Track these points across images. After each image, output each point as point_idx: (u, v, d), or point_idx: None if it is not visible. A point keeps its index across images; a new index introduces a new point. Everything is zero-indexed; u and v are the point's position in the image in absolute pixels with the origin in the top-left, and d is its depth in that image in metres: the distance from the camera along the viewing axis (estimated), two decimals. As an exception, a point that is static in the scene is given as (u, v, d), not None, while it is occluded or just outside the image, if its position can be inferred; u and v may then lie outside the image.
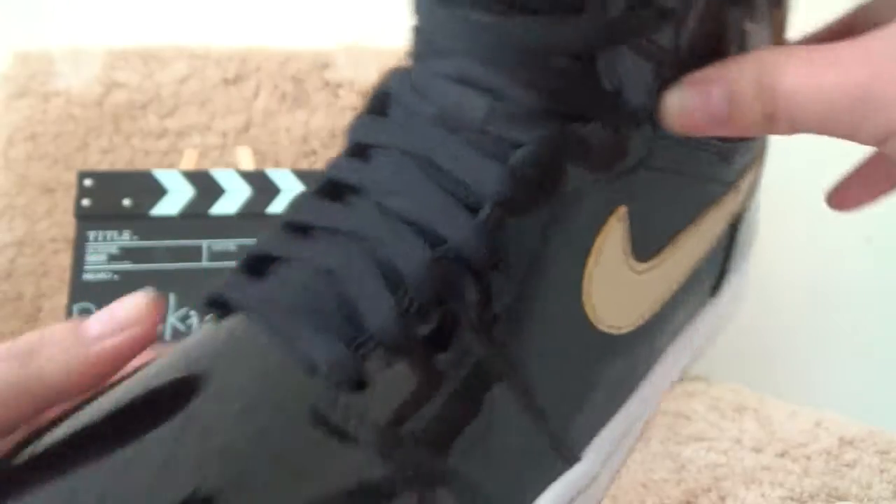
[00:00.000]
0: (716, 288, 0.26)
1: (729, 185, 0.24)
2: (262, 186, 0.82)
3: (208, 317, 0.22)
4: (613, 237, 0.20)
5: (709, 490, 0.54)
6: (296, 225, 0.21)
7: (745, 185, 0.25)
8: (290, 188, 0.83)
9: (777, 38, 0.24)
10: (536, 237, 0.19)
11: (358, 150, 0.22)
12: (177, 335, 0.76)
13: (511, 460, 0.20)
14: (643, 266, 0.22)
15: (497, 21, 0.19)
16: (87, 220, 0.78)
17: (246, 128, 0.97)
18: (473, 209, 0.19)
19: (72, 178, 0.82)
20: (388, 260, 0.19)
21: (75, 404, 0.19)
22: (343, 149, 0.22)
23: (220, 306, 0.21)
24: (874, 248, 0.88)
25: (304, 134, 0.96)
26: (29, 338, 0.17)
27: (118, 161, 0.94)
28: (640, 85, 0.19)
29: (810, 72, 0.18)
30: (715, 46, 0.20)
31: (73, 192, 0.79)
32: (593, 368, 0.21)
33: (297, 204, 0.22)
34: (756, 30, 0.22)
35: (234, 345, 0.19)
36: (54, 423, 0.18)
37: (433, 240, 0.19)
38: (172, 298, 0.76)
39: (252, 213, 0.80)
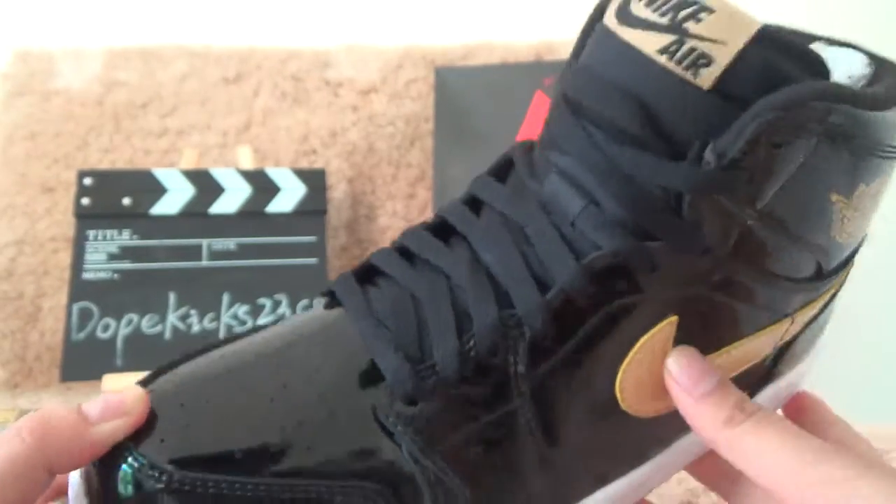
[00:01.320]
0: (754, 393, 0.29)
1: (784, 316, 0.26)
2: (262, 185, 0.81)
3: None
4: (659, 339, 0.23)
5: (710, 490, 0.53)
6: (405, 250, 0.25)
7: (803, 316, 0.27)
8: (289, 187, 0.82)
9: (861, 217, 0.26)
10: (592, 325, 0.22)
11: (472, 203, 0.25)
12: (177, 334, 0.76)
13: (519, 498, 0.23)
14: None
15: (612, 145, 0.22)
16: (87, 219, 0.78)
17: (246, 127, 0.97)
18: (545, 286, 0.22)
19: (72, 177, 0.82)
20: (465, 306, 0.22)
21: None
22: (462, 196, 0.26)
23: (332, 296, 0.25)
24: (875, 247, 0.88)
25: (304, 133, 0.96)
26: (39, 418, 0.19)
27: (118, 160, 0.94)
28: (722, 229, 0.22)
29: (785, 427, 0.21)
30: (795, 212, 0.23)
31: (73, 191, 0.79)
32: (611, 439, 0.24)
33: (411, 232, 0.25)
34: (843, 204, 0.24)
35: (335, 335, 0.23)
36: (193, 354, 0.24)
37: (507, 302, 0.22)
38: (172, 297, 0.76)
39: (252, 212, 0.80)
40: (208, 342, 0.24)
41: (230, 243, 0.79)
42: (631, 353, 0.23)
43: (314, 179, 0.83)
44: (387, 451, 0.21)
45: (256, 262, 0.78)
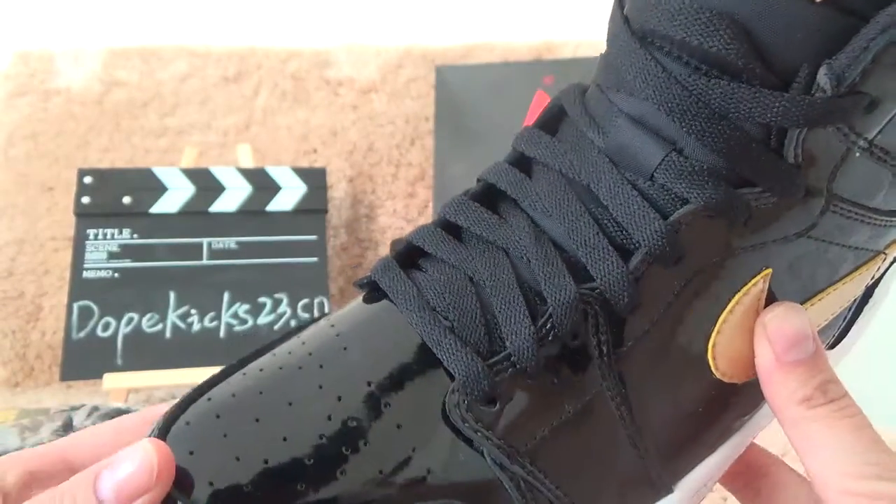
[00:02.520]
0: (836, 343, 0.26)
1: (877, 253, 0.23)
2: (263, 184, 0.81)
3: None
4: (753, 294, 0.21)
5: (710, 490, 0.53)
6: (449, 225, 0.22)
7: (893, 251, 0.24)
8: (290, 185, 0.82)
9: None
10: (679, 288, 0.20)
11: (521, 161, 0.22)
12: (177, 332, 0.76)
13: (612, 487, 0.21)
14: None
15: (697, 79, 0.19)
16: (88, 217, 0.78)
17: (246, 126, 0.97)
18: (624, 252, 0.19)
19: (72, 176, 0.82)
20: (534, 283, 0.20)
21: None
22: (507, 156, 0.22)
23: (372, 287, 0.22)
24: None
25: (305, 132, 0.96)
26: (53, 498, 0.17)
27: (118, 159, 0.94)
28: (825, 165, 0.20)
29: (861, 423, 0.20)
30: None
31: (74, 190, 0.79)
32: (706, 415, 0.22)
33: (454, 204, 0.22)
34: None
35: (386, 333, 0.20)
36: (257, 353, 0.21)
37: (581, 274, 0.19)
38: (173, 296, 0.76)
39: (252, 211, 0.80)
40: (240, 358, 0.21)
41: (230, 242, 0.79)
42: (724, 314, 0.20)
43: (314, 178, 0.83)
44: (467, 461, 0.19)
45: (257, 260, 0.78)
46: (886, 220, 0.22)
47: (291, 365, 0.20)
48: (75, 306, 0.75)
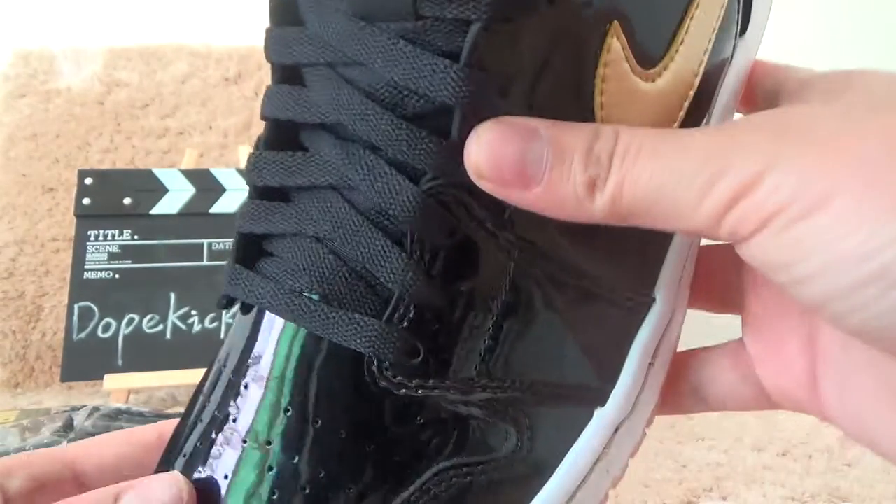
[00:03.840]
0: (744, 24, 0.23)
1: None
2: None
3: (230, 313, 0.20)
4: (614, 61, 0.17)
5: (710, 489, 0.53)
6: (269, 190, 0.18)
7: None
8: (290, 187, 0.82)
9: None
10: (529, 104, 0.16)
11: (287, 72, 0.18)
12: (177, 333, 0.76)
13: (587, 341, 0.19)
14: (655, 70, 0.19)
15: None
16: (88, 218, 0.78)
17: (247, 126, 0.97)
18: (439, 114, 0.16)
19: (72, 177, 0.82)
20: (379, 207, 0.16)
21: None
22: (273, 77, 0.18)
23: (231, 301, 0.19)
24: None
25: (305, 133, 0.96)
26: None
27: (119, 160, 0.94)
28: None
29: (658, 141, 0.15)
30: None
31: (74, 190, 0.79)
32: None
33: (258, 164, 0.18)
34: None
35: (270, 345, 0.18)
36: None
37: (410, 172, 0.16)
38: (173, 297, 0.76)
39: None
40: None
41: (231, 243, 0.79)
42: (597, 96, 0.17)
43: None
44: (428, 427, 0.17)
45: (257, 261, 0.79)
46: None
47: (205, 435, 0.18)
48: (76, 307, 0.75)
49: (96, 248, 0.77)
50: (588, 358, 0.19)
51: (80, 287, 0.75)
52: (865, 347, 0.16)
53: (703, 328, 0.26)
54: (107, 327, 0.74)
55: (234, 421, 0.17)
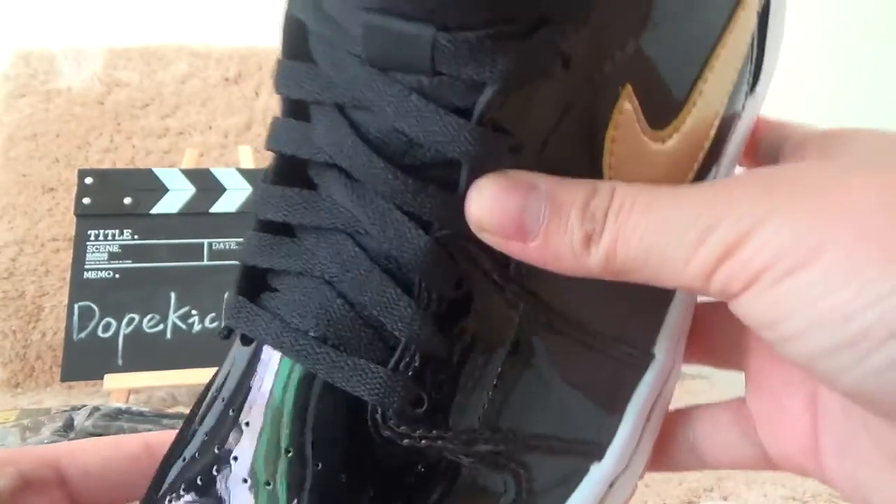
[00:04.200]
0: (754, 82, 0.23)
1: (736, 3, 0.20)
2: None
3: (233, 340, 0.20)
4: (625, 123, 0.17)
5: (711, 489, 0.53)
6: (274, 225, 0.18)
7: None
8: (291, 187, 0.83)
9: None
10: (539, 167, 0.17)
11: (296, 108, 0.18)
12: (178, 333, 0.76)
13: (588, 395, 0.19)
14: (667, 131, 0.19)
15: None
16: (88, 218, 0.78)
17: (247, 126, 0.97)
18: (447, 166, 0.16)
19: (73, 176, 0.82)
20: (388, 253, 0.17)
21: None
22: (281, 109, 0.19)
23: (233, 333, 0.19)
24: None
25: (306, 133, 0.96)
26: None
27: (119, 160, 0.94)
28: None
29: (652, 197, 0.15)
30: None
31: (74, 190, 0.79)
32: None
33: (265, 199, 0.18)
34: None
35: (271, 380, 0.17)
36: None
37: (421, 223, 0.16)
38: (173, 297, 0.76)
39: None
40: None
41: (231, 243, 0.79)
42: (605, 158, 0.17)
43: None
44: (432, 477, 0.17)
45: (257, 261, 0.79)
46: None
47: (204, 470, 0.17)
48: (76, 307, 0.75)
49: (96, 248, 0.77)
50: (588, 413, 0.19)
51: (80, 287, 0.75)
52: (867, 418, 0.16)
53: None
54: (107, 327, 0.74)
55: (235, 459, 0.17)
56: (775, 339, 0.14)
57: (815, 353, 0.14)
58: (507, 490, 0.18)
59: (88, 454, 0.20)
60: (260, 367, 0.18)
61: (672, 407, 0.22)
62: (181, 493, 0.17)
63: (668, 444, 0.21)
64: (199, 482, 0.17)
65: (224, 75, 0.99)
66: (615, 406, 0.20)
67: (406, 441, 0.16)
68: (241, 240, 0.79)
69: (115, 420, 0.55)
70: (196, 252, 0.78)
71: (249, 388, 0.18)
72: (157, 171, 0.80)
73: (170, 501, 0.17)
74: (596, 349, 0.19)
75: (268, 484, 0.16)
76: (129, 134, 0.95)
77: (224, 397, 0.18)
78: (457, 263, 0.17)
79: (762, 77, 0.24)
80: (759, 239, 0.14)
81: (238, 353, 0.19)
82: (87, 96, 0.95)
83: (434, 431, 0.16)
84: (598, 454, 0.19)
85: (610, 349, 0.19)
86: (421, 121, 0.15)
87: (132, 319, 0.75)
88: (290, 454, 0.17)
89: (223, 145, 0.96)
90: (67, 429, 0.54)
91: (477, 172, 0.16)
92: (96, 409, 0.66)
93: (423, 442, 0.16)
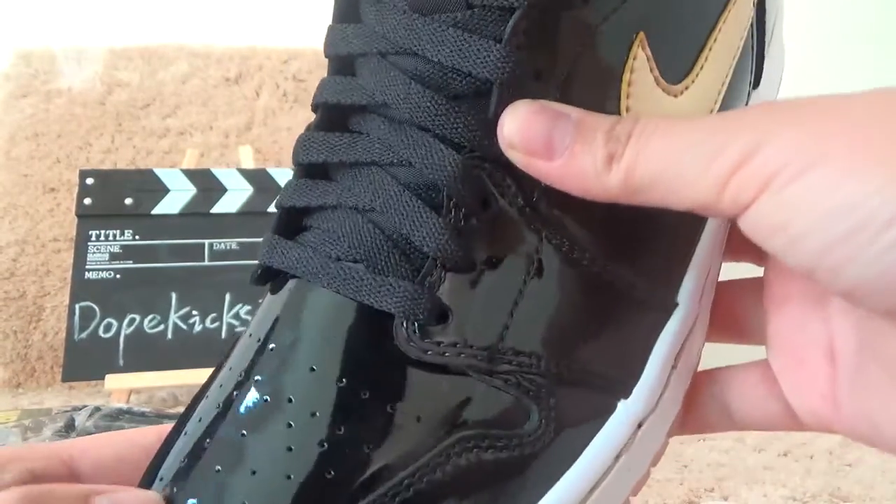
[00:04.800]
0: (757, 77, 0.24)
1: None
2: (264, 185, 0.82)
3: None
4: (639, 70, 0.19)
5: (711, 489, 0.53)
6: (314, 167, 0.19)
7: None
8: (291, 187, 0.83)
9: None
10: (558, 97, 0.18)
11: (342, 63, 0.20)
12: (178, 333, 0.76)
13: (610, 330, 0.19)
14: (679, 86, 0.20)
15: None
16: (89, 218, 0.78)
17: (248, 127, 0.97)
18: (479, 95, 0.17)
19: (74, 177, 0.82)
20: (422, 176, 0.18)
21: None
22: (329, 67, 0.20)
23: (266, 276, 0.20)
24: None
25: (306, 133, 0.96)
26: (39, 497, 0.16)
27: (120, 160, 0.94)
28: None
29: (671, 123, 0.17)
30: None
31: (75, 191, 0.79)
32: (656, 217, 0.19)
33: (307, 143, 0.19)
34: None
35: (300, 312, 0.18)
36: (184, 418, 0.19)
37: (453, 145, 0.17)
38: (174, 297, 0.76)
39: (254, 212, 0.80)
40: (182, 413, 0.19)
41: (232, 243, 0.79)
42: (622, 102, 0.19)
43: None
44: (452, 392, 0.17)
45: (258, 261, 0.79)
46: None
47: (225, 397, 0.18)
48: (77, 307, 0.75)
49: (97, 248, 0.77)
50: (610, 348, 0.19)
51: (81, 287, 0.75)
52: (875, 340, 0.17)
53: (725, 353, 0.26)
54: (108, 327, 0.75)
55: (258, 381, 0.17)
56: (784, 244, 0.15)
57: (822, 248, 0.15)
58: (531, 416, 0.18)
59: (101, 448, 0.20)
60: (289, 299, 0.19)
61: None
62: (200, 419, 0.18)
63: (698, 404, 0.21)
64: (219, 406, 0.18)
65: (225, 75, 0.99)
66: (639, 347, 0.20)
67: (429, 353, 0.17)
68: (241, 240, 0.80)
69: (116, 420, 0.55)
70: (197, 252, 0.78)
71: (277, 319, 0.18)
72: (158, 171, 0.80)
73: (188, 423, 0.18)
74: (617, 289, 0.19)
75: (290, 400, 0.17)
76: (129, 134, 0.95)
77: (251, 333, 0.19)
78: (484, 184, 0.18)
79: (766, 76, 0.25)
80: (769, 150, 0.15)
81: (267, 300, 0.20)
82: (88, 96, 0.95)
83: (457, 346, 0.17)
84: (625, 391, 0.19)
85: (633, 291, 0.20)
86: (456, 49, 0.17)
87: (133, 320, 0.75)
88: (315, 372, 0.17)
89: (224, 145, 0.96)
90: (69, 429, 0.54)
91: (506, 98, 0.17)
92: (97, 409, 0.66)
93: (446, 355, 0.17)
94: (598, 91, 0.19)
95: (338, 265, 0.18)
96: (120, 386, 0.72)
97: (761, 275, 0.21)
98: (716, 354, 0.23)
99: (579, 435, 0.18)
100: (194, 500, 0.16)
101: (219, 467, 0.16)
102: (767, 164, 0.15)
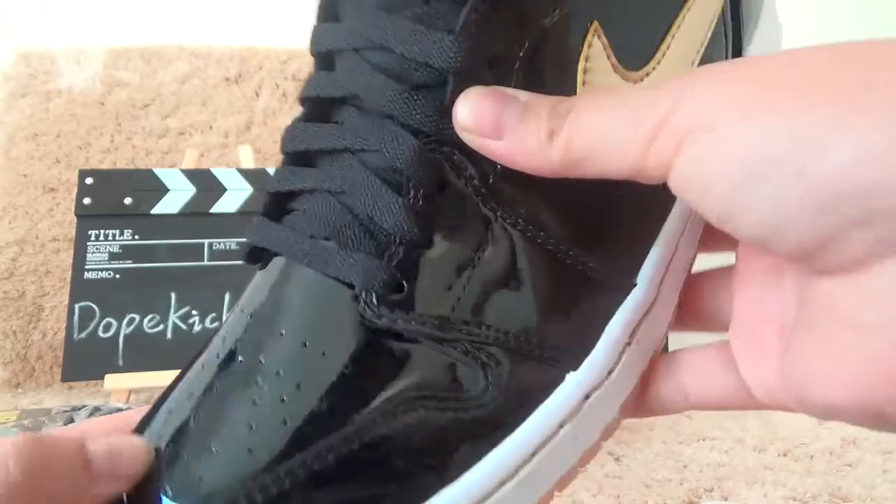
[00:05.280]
0: (738, 51, 0.25)
1: None
2: (264, 185, 0.81)
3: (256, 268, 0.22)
4: (595, 56, 0.20)
5: (711, 490, 0.53)
6: (298, 155, 0.21)
7: None
8: (291, 187, 0.83)
9: None
10: (516, 82, 0.19)
11: (323, 60, 0.21)
12: (178, 333, 0.76)
13: (563, 306, 0.21)
14: (639, 73, 0.22)
15: None
16: (89, 218, 0.78)
17: (247, 127, 0.97)
18: (438, 84, 0.19)
19: (73, 177, 0.82)
20: (386, 161, 0.19)
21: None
22: (314, 64, 0.22)
23: (256, 255, 0.22)
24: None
25: (306, 133, 0.96)
26: (34, 450, 0.16)
27: (120, 160, 0.94)
28: None
29: (604, 96, 0.18)
30: None
31: (75, 190, 0.79)
32: (614, 200, 0.21)
33: (292, 134, 0.21)
34: None
35: (280, 285, 0.20)
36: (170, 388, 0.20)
37: (412, 131, 0.19)
38: (174, 297, 0.76)
39: (253, 212, 0.80)
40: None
41: (231, 243, 0.79)
42: (578, 87, 0.20)
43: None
44: (403, 357, 0.18)
45: (258, 261, 0.79)
46: None
47: (212, 360, 0.20)
48: (76, 307, 0.75)
49: (97, 248, 0.77)
50: (563, 322, 0.20)
51: (80, 287, 0.75)
52: (805, 303, 0.17)
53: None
54: (107, 327, 0.74)
55: (238, 346, 0.19)
56: (698, 197, 0.16)
57: (726, 194, 0.15)
58: (477, 383, 0.19)
59: (102, 423, 0.20)
60: (271, 275, 0.20)
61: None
62: (189, 379, 0.20)
63: (654, 385, 0.22)
64: (203, 367, 0.20)
65: (224, 75, 0.99)
66: (591, 323, 0.21)
67: (383, 319, 0.18)
68: (241, 240, 0.80)
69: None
70: (196, 252, 0.78)
71: (259, 293, 0.20)
72: (157, 171, 0.80)
73: (178, 383, 0.20)
74: (570, 266, 0.21)
75: (260, 362, 0.18)
76: (129, 134, 0.95)
77: (241, 306, 0.21)
78: (441, 167, 0.19)
79: (752, 44, 0.26)
80: (682, 111, 0.16)
81: (256, 276, 0.21)
82: (88, 96, 0.95)
83: (409, 314, 0.19)
84: (574, 364, 0.20)
85: (588, 269, 0.21)
86: (416, 42, 0.19)
87: (132, 319, 0.75)
88: (283, 335, 0.19)
89: (223, 145, 0.96)
90: (68, 429, 0.54)
91: (461, 86, 0.19)
92: (97, 409, 0.66)
93: (399, 322, 0.18)
94: (553, 78, 0.20)
95: (312, 242, 0.19)
96: (119, 386, 0.72)
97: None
98: (684, 342, 0.23)
99: (524, 403, 0.19)
100: (174, 445, 0.18)
101: (199, 419, 0.18)
102: (682, 124, 0.16)
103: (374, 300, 0.18)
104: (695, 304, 0.24)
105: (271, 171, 0.83)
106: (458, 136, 0.19)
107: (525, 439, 0.19)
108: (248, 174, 0.82)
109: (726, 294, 0.22)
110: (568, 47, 0.20)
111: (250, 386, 0.18)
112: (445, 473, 0.18)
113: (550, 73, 0.20)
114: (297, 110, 0.22)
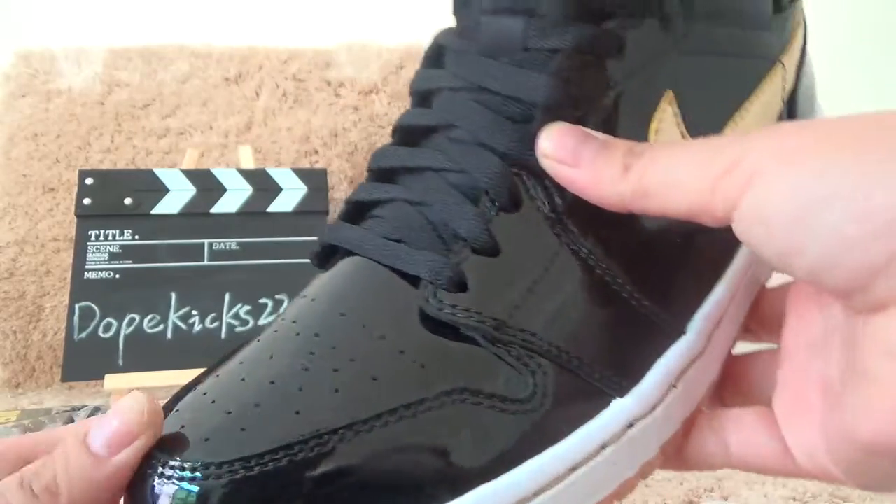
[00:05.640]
0: None
1: (773, 61, 0.26)
2: (264, 185, 0.81)
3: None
4: (667, 121, 0.23)
5: (711, 489, 0.53)
6: (382, 171, 0.23)
7: (790, 60, 0.27)
8: (291, 186, 0.82)
9: None
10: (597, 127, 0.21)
11: (421, 98, 0.24)
12: (178, 333, 0.76)
13: (613, 338, 0.21)
14: None
15: None
16: (89, 218, 0.78)
17: (247, 127, 0.97)
18: (527, 119, 0.21)
19: (73, 177, 0.82)
20: (468, 178, 0.21)
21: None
22: (410, 102, 0.25)
23: (327, 254, 0.23)
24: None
25: (306, 133, 0.96)
26: (46, 472, 0.17)
27: (120, 160, 0.94)
28: None
29: (677, 144, 0.20)
30: None
31: (75, 191, 0.79)
32: (680, 247, 0.23)
33: (380, 154, 0.24)
34: None
35: (345, 277, 0.22)
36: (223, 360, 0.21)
37: (499, 154, 0.21)
38: (174, 297, 0.76)
39: (253, 212, 0.80)
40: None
41: (231, 243, 0.79)
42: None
43: (315, 179, 0.83)
44: (458, 348, 0.19)
45: (258, 261, 0.79)
46: (754, 23, 0.25)
47: (268, 335, 0.21)
48: (77, 307, 0.75)
49: (97, 248, 0.77)
50: (614, 351, 0.21)
51: (80, 287, 0.75)
52: (851, 360, 0.18)
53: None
54: (108, 327, 0.75)
55: (294, 322, 0.20)
56: (762, 234, 0.18)
57: (787, 229, 0.17)
58: (526, 389, 0.19)
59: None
60: (337, 269, 0.22)
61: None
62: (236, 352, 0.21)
63: (698, 437, 0.22)
64: (258, 339, 0.21)
65: (224, 75, 0.99)
66: (641, 358, 0.22)
67: (445, 311, 0.19)
68: (241, 240, 0.80)
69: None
70: (196, 252, 0.78)
71: (323, 282, 0.22)
72: (157, 171, 0.80)
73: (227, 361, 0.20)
74: (627, 302, 0.22)
75: (316, 335, 0.20)
76: (129, 134, 0.95)
77: (306, 294, 0.22)
78: (519, 188, 0.21)
79: None
80: (752, 156, 0.18)
81: (318, 276, 0.23)
82: (88, 96, 0.95)
83: (469, 311, 0.20)
84: (621, 391, 0.21)
85: (642, 308, 0.22)
86: (513, 81, 0.22)
87: (133, 320, 0.75)
88: (344, 316, 0.20)
89: (224, 145, 0.96)
90: (68, 429, 0.54)
91: (547, 119, 0.21)
92: (97, 409, 0.66)
93: (458, 316, 0.19)
94: (626, 133, 0.21)
95: (384, 241, 0.21)
96: (119, 386, 0.72)
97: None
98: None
99: (569, 418, 0.20)
100: (216, 403, 0.18)
101: (248, 380, 0.19)
102: (751, 166, 0.17)
103: (437, 294, 0.20)
104: (736, 380, 0.25)
105: (271, 171, 0.83)
106: (538, 164, 0.21)
107: (564, 453, 0.19)
108: (248, 174, 0.82)
109: (769, 369, 0.23)
110: (644, 107, 0.22)
111: (304, 356, 0.19)
112: (486, 469, 0.18)
113: (624, 127, 0.22)
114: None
